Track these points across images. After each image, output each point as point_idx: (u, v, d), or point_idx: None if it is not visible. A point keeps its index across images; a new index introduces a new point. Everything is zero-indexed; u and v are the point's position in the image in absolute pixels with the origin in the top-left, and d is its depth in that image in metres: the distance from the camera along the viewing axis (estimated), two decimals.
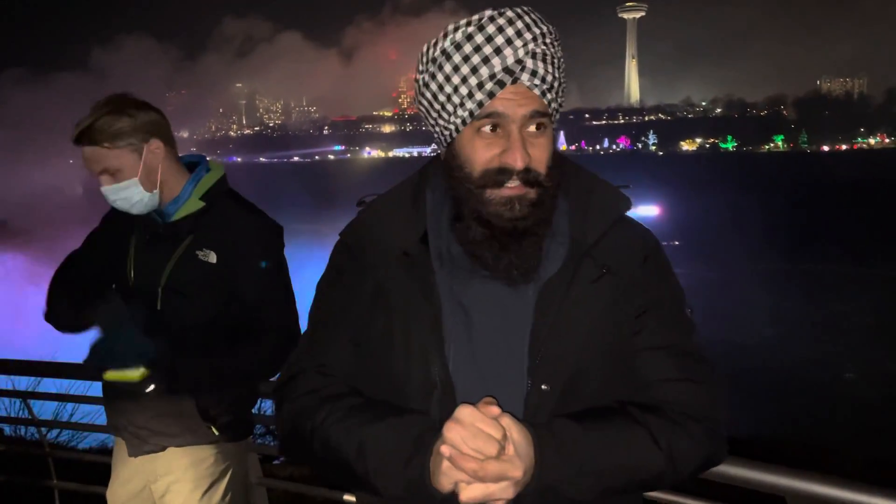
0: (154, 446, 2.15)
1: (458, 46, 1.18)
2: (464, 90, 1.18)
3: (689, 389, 1.21)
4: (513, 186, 1.18)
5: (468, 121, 1.20)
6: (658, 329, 1.25)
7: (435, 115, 1.24)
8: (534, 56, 1.17)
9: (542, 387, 1.18)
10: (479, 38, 1.17)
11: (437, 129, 1.26)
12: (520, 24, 1.17)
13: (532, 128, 1.19)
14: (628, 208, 1.29)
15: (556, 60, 1.20)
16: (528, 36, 1.17)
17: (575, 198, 1.29)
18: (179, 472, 2.16)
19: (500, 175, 1.18)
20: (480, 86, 1.17)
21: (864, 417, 19.51)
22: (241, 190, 2.33)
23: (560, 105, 1.26)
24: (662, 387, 1.21)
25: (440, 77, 1.20)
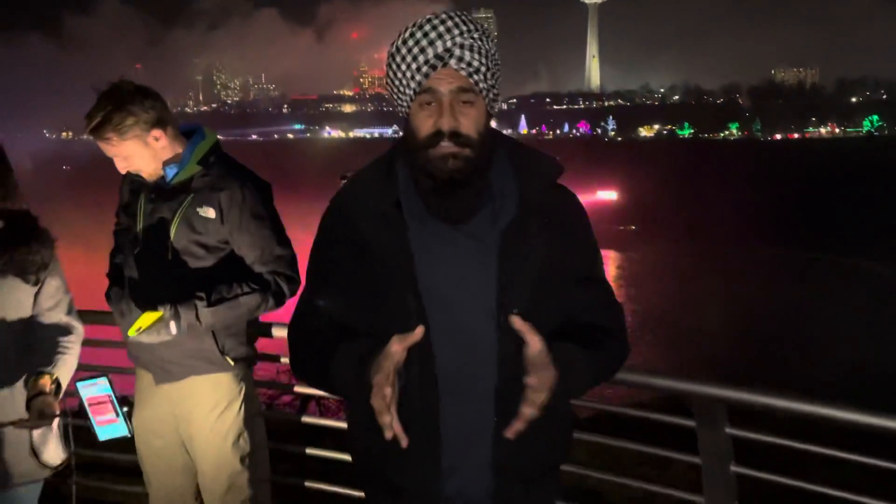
0: (178, 376, 2.49)
1: (404, 42, 1.58)
2: (409, 74, 1.57)
3: (615, 313, 1.76)
4: (447, 146, 1.54)
5: (413, 98, 1.58)
6: (590, 266, 1.75)
7: (397, 97, 1.63)
8: (461, 47, 1.54)
9: (514, 311, 1.54)
10: (418, 35, 1.56)
11: (400, 108, 1.63)
12: (449, 23, 1.56)
13: (461, 102, 1.56)
14: (561, 172, 1.70)
15: (483, 51, 1.57)
16: (455, 31, 1.55)
17: (518, 165, 1.67)
18: (200, 396, 2.51)
19: (435, 137, 1.55)
20: (418, 69, 1.55)
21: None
22: None
23: (493, 87, 1.61)
24: (599, 310, 1.72)
25: (394, 66, 1.60)
